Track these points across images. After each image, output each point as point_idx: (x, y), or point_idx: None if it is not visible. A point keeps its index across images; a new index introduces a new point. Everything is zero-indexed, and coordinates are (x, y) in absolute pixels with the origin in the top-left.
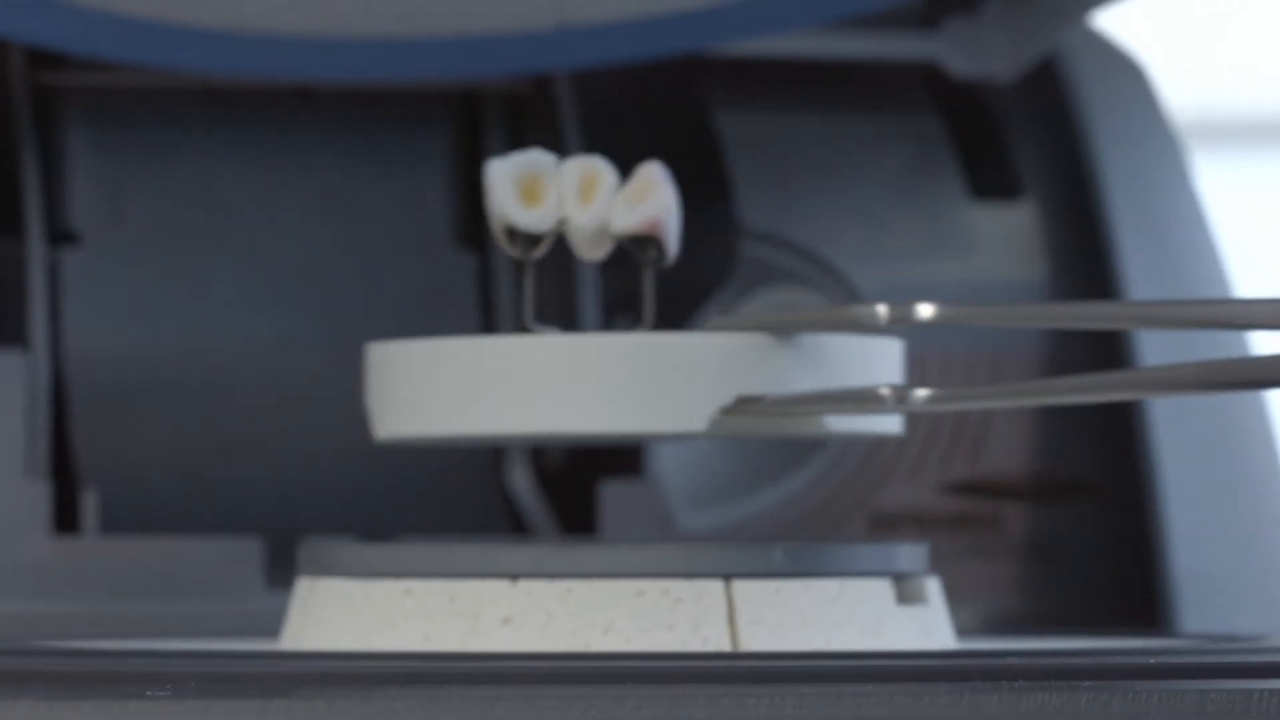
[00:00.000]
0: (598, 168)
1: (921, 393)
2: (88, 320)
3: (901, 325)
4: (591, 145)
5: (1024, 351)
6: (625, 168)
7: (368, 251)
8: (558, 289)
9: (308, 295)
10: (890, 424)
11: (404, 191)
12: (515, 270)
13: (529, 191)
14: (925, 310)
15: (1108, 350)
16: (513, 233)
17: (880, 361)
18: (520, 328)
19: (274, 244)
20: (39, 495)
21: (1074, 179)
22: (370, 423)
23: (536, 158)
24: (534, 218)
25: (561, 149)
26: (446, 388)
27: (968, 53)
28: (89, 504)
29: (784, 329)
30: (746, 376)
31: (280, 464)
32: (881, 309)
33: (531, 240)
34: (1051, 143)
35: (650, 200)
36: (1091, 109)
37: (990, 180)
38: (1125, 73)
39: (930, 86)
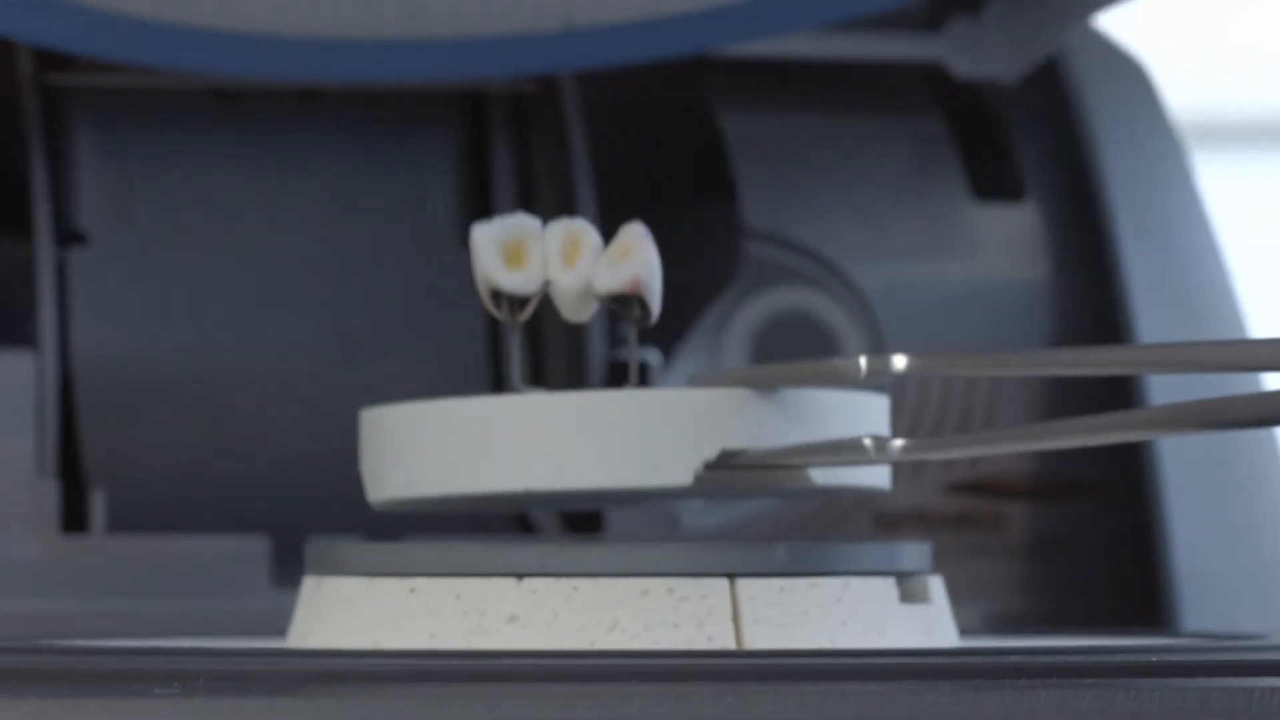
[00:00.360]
0: (580, 230)
1: (905, 443)
2: (95, 321)
3: (881, 379)
4: (596, 145)
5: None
6: (630, 168)
7: (373, 251)
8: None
9: (313, 295)
10: (877, 477)
11: (409, 191)
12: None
13: (513, 255)
14: (899, 362)
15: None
16: (498, 295)
17: (865, 415)
18: (509, 387)
19: (280, 244)
20: (47, 495)
21: (1076, 179)
22: (365, 487)
23: (520, 221)
24: (519, 280)
25: (566, 149)
26: (435, 449)
27: (970, 54)
28: (97, 503)
29: (765, 384)
30: (730, 432)
31: (286, 463)
32: (862, 362)
33: (517, 303)
34: (1053, 143)
35: (632, 260)
36: (1093, 109)
37: (992, 181)
38: (1127, 73)
39: (932, 87)
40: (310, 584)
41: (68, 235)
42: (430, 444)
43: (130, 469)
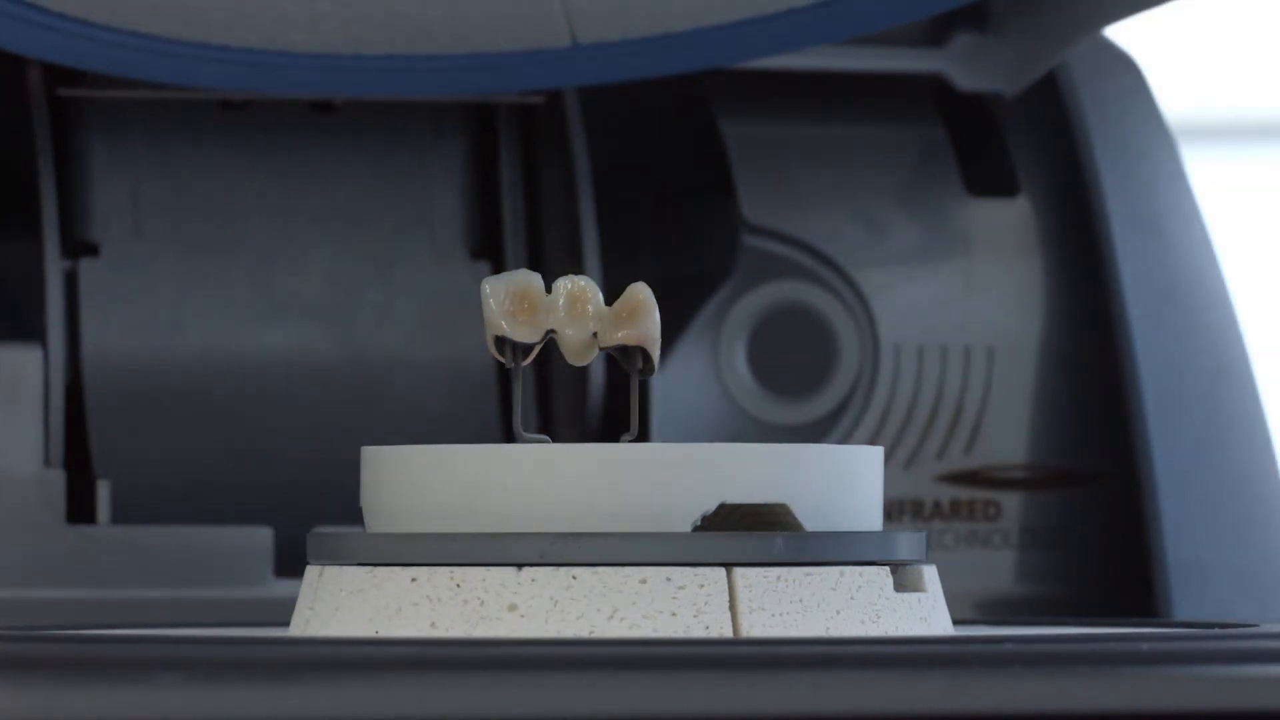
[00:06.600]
0: (583, 285)
1: None
2: (105, 325)
3: None
4: (600, 155)
5: (1020, 342)
6: (632, 177)
7: (381, 261)
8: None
9: (321, 303)
10: (870, 520)
11: (417, 202)
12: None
13: (519, 306)
14: None
15: (1106, 344)
16: (502, 342)
17: (862, 469)
18: (511, 435)
19: (289, 254)
20: (54, 486)
21: (1070, 176)
22: (365, 522)
23: (526, 275)
24: (525, 330)
25: (570, 161)
26: (436, 492)
27: (973, 69)
28: (103, 494)
29: None
30: (728, 484)
31: (290, 460)
32: None
33: (522, 350)
34: (1048, 139)
35: (638, 316)
36: (1088, 106)
37: (987, 177)
38: (1121, 70)
39: (930, 88)
40: (313, 573)
41: (80, 246)
42: (433, 487)
43: (136, 462)
